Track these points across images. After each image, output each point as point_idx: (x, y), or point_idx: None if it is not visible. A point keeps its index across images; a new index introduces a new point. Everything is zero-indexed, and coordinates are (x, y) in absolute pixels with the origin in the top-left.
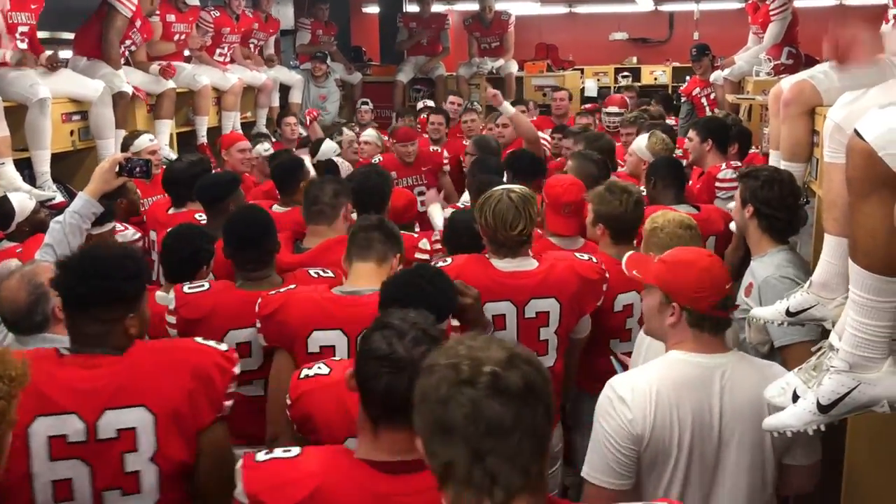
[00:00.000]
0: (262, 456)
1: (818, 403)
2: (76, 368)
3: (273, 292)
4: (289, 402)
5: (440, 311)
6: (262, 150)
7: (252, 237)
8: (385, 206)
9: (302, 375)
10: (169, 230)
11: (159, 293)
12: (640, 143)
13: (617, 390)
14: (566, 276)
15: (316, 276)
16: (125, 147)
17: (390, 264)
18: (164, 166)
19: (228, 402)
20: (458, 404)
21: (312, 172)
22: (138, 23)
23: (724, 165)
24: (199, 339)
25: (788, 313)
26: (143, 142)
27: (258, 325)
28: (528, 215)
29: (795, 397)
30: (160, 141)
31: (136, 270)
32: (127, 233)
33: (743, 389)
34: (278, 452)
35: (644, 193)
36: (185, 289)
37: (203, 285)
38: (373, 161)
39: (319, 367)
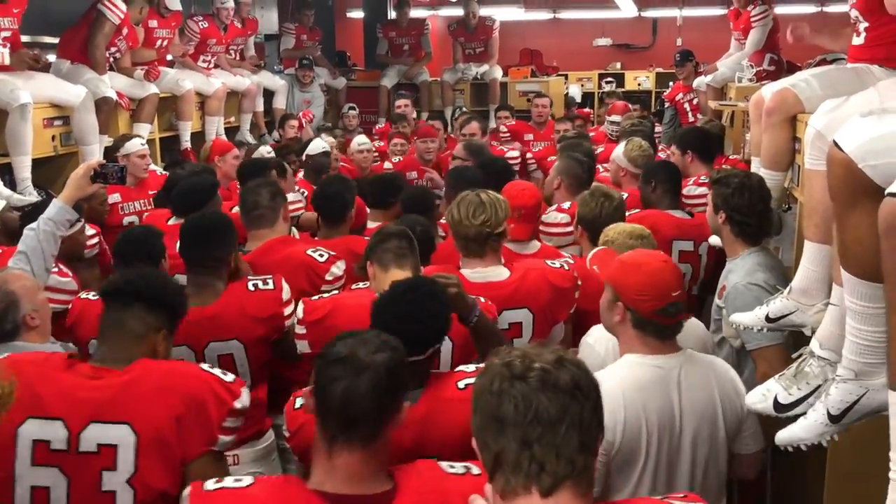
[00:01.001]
0: (211, 485)
1: (829, 414)
2: (79, 377)
3: (316, 297)
4: (287, 433)
5: (437, 335)
6: (265, 152)
7: (203, 239)
8: (346, 213)
9: (297, 406)
10: (120, 235)
11: None
12: (618, 150)
13: None
14: (538, 285)
15: (254, 288)
16: (115, 149)
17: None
18: (153, 171)
19: (226, 437)
20: (510, 396)
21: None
22: (125, 31)
23: (691, 181)
24: (203, 366)
25: (768, 319)
26: (134, 145)
27: (302, 330)
28: (493, 210)
29: (777, 403)
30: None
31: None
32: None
33: (697, 387)
34: (229, 482)
35: (625, 197)
36: None
37: None
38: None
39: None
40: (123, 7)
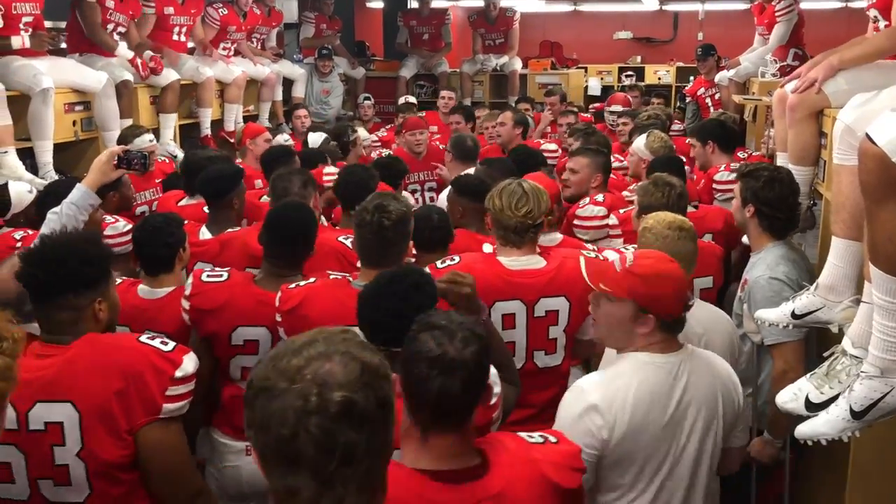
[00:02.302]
0: None
1: (851, 410)
2: (31, 357)
3: (293, 286)
4: (279, 318)
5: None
6: (283, 140)
7: (299, 233)
8: None
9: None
10: (138, 223)
11: (143, 286)
12: (639, 143)
13: (588, 398)
14: (576, 273)
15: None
16: (122, 141)
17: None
18: (163, 159)
19: (172, 405)
20: (309, 434)
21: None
22: (110, 3)
23: (722, 167)
24: (142, 338)
25: (794, 315)
26: (142, 141)
27: (278, 318)
28: (536, 201)
29: (808, 403)
30: (165, 136)
31: (98, 254)
32: (118, 224)
33: (701, 383)
34: None
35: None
36: (204, 276)
37: (221, 275)
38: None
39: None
40: None
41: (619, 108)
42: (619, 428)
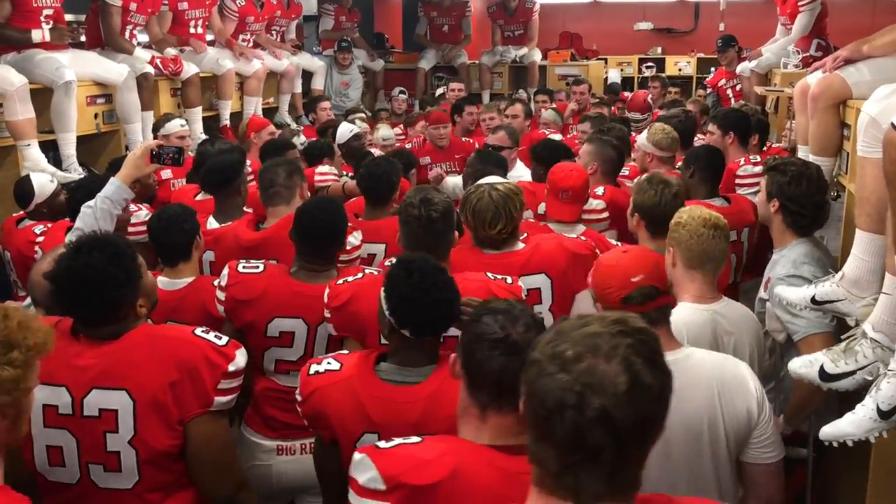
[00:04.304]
0: (385, 444)
1: (878, 409)
2: (83, 347)
3: (341, 281)
4: (300, 398)
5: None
6: (300, 144)
7: (328, 232)
8: (393, 194)
9: (311, 372)
10: (154, 213)
11: (162, 277)
12: (642, 137)
13: None
14: (554, 251)
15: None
16: (155, 130)
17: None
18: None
19: (222, 398)
20: (561, 423)
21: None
22: (133, 6)
23: (742, 160)
24: (197, 331)
25: (814, 301)
26: (174, 126)
27: (327, 314)
28: (508, 214)
29: (823, 372)
30: (194, 129)
31: (126, 272)
32: (140, 213)
33: (689, 387)
34: (398, 440)
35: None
36: (240, 267)
37: (258, 266)
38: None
39: (329, 363)
40: None
41: (637, 115)
42: None
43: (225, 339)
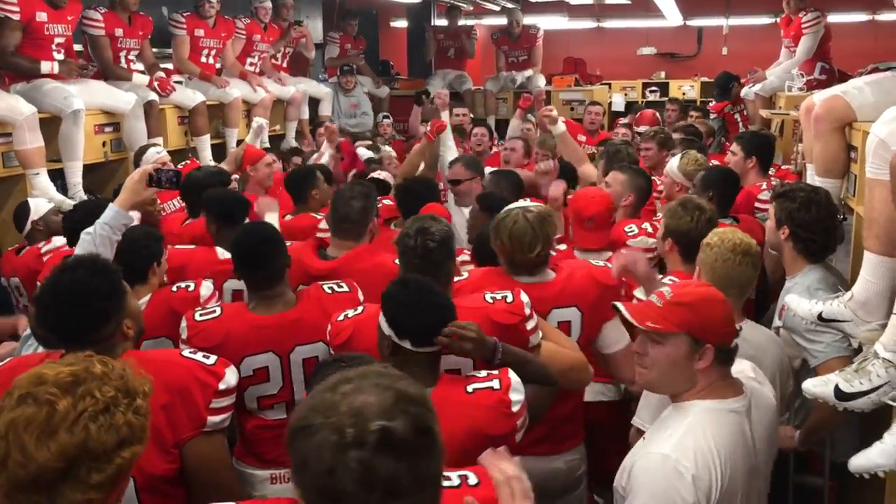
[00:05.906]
0: None
1: None
2: None
3: (342, 317)
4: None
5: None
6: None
7: (261, 256)
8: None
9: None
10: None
11: None
12: (672, 164)
13: (678, 466)
14: (585, 283)
15: (330, 291)
16: (136, 162)
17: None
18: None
19: (216, 418)
20: (348, 469)
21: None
22: (119, 31)
23: (764, 185)
24: (185, 352)
25: (820, 318)
26: (150, 155)
27: (331, 352)
28: (544, 236)
29: (838, 391)
30: (203, 157)
31: (111, 284)
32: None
33: (761, 421)
34: None
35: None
36: (197, 316)
37: (214, 311)
38: None
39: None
40: (100, 17)
41: (646, 128)
42: (714, 494)
43: (213, 358)
